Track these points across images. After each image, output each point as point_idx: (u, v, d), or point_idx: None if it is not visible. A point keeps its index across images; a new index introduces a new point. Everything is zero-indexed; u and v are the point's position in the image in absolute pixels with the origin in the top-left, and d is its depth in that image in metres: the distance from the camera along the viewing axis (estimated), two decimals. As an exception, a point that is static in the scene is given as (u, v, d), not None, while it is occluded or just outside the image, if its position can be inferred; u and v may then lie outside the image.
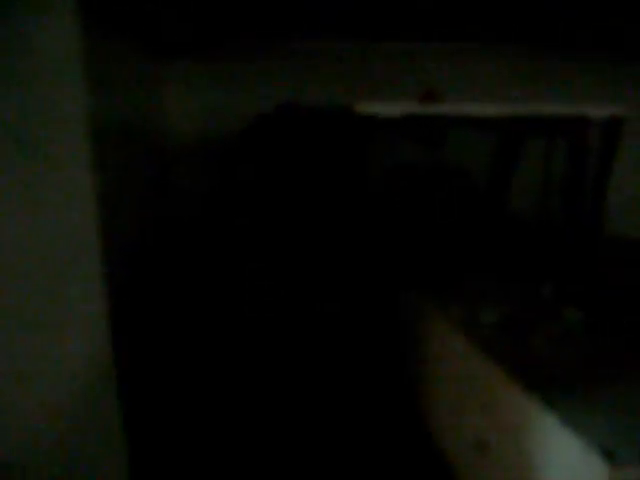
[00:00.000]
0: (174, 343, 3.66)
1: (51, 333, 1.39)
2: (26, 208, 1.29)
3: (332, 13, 4.00)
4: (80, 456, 1.51)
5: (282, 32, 4.62)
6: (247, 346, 3.51)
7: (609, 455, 1.34)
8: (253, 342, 3.49)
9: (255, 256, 3.74)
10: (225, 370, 3.38)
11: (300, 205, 3.62)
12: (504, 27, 4.56)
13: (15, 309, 1.25)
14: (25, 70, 1.28)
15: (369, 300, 2.76)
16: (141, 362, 3.23)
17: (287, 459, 2.66)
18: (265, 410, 3.05)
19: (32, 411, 1.30)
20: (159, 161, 4.43)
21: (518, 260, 2.92)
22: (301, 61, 4.76)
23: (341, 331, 2.92)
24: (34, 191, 1.31)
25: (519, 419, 1.70)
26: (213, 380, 3.32)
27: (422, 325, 2.45)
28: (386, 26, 4.41)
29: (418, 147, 3.43)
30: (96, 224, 1.62)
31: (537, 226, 3.62)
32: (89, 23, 1.76)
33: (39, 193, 1.33)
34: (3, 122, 1.21)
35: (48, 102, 1.36)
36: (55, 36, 1.39)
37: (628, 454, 1.36)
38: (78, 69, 1.51)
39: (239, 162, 4.41)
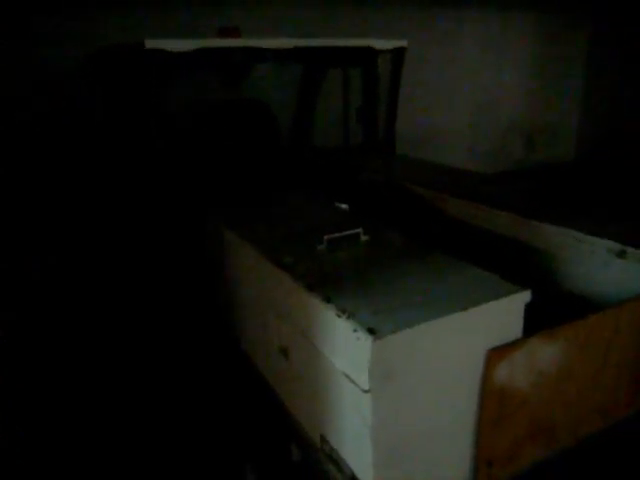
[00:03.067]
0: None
1: None
2: None
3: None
4: None
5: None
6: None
7: (371, 331, 1.62)
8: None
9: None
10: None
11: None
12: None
13: None
14: None
15: (177, 227, 2.84)
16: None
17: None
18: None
19: None
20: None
21: (319, 182, 3.16)
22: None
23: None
24: None
25: (307, 319, 1.93)
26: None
27: (228, 246, 2.58)
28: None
29: (218, 81, 3.44)
30: None
31: (337, 150, 3.93)
32: None
33: None
34: None
35: None
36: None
37: (386, 328, 1.64)
38: None
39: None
